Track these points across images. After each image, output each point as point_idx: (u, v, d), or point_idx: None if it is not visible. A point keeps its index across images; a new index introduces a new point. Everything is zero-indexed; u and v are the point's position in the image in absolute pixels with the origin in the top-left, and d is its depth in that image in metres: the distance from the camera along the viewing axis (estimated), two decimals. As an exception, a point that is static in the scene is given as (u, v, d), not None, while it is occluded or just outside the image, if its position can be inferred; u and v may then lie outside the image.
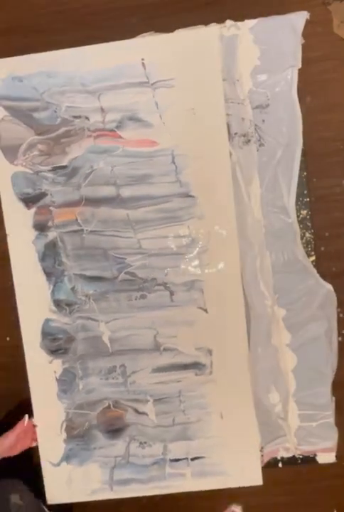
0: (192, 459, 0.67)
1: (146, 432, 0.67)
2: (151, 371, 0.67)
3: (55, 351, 0.69)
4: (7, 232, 0.68)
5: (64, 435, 0.68)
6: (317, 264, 0.66)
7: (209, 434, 0.67)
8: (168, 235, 0.66)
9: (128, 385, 0.67)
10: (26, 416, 0.65)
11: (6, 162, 0.67)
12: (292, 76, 0.63)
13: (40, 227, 0.68)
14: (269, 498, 0.69)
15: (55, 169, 0.67)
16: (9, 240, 0.68)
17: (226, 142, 0.63)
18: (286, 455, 0.68)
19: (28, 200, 0.67)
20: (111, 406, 0.68)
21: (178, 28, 0.63)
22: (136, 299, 0.66)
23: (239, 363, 0.65)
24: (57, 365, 0.68)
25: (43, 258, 0.68)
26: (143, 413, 0.67)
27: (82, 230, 0.67)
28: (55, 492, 0.68)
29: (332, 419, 0.67)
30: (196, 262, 0.65)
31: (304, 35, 0.63)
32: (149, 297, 0.66)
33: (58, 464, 0.68)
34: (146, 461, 0.68)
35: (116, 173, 0.65)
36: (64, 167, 0.66)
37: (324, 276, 0.66)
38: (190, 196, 0.65)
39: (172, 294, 0.66)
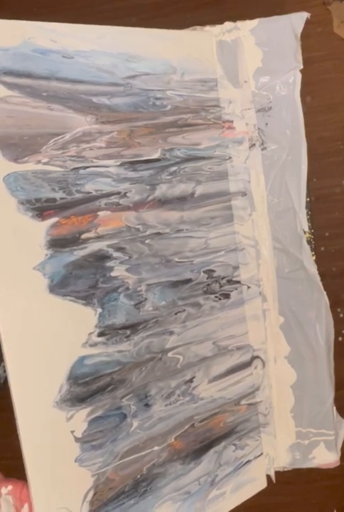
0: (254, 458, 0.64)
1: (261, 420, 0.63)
2: (220, 376, 0.61)
3: (87, 398, 0.51)
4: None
5: (85, 509, 0.51)
6: (317, 264, 0.67)
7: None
8: (237, 232, 0.64)
9: (197, 399, 0.59)
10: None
11: (1, 159, 0.46)
12: (295, 78, 0.64)
13: (63, 243, 0.49)
14: (268, 498, 0.70)
15: (133, 163, 0.54)
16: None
17: None
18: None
19: (48, 208, 0.49)
20: (196, 423, 0.58)
21: (179, 28, 0.64)
22: (216, 300, 0.60)
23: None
24: (80, 418, 0.50)
25: (63, 282, 0.49)
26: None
27: (145, 235, 0.55)
28: None
29: (332, 438, 0.66)
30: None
31: (304, 35, 0.64)
32: (232, 296, 0.62)
33: None
34: (233, 466, 0.61)
35: (212, 168, 0.61)
36: (153, 160, 0.56)
37: (324, 276, 0.67)
38: None
39: (247, 288, 0.63)
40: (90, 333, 0.50)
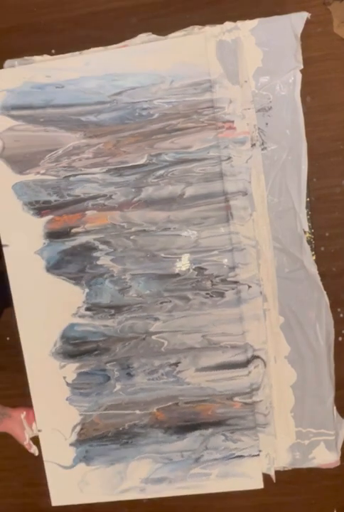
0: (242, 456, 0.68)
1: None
2: (210, 368, 0.67)
3: (77, 355, 0.67)
4: (4, 242, 0.66)
5: (73, 438, 0.68)
6: (317, 264, 0.67)
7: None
8: (237, 232, 0.65)
9: (182, 383, 0.67)
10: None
11: (10, 172, 0.64)
12: (295, 78, 0.64)
13: (57, 235, 0.65)
14: (269, 498, 0.70)
15: (118, 169, 0.65)
16: (7, 252, 0.66)
17: None
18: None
19: (45, 208, 0.65)
20: (180, 403, 0.67)
21: (179, 28, 0.65)
22: (207, 297, 0.65)
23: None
24: (70, 369, 0.67)
25: (57, 265, 0.65)
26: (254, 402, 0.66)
27: (130, 231, 0.66)
28: (64, 494, 0.70)
29: (332, 438, 0.67)
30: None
31: (304, 35, 0.64)
32: (226, 295, 0.65)
33: (70, 467, 0.69)
34: (222, 454, 0.67)
35: (205, 169, 0.64)
36: (139, 166, 0.64)
37: (324, 276, 0.67)
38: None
39: (248, 288, 0.66)
40: (79, 307, 0.67)
